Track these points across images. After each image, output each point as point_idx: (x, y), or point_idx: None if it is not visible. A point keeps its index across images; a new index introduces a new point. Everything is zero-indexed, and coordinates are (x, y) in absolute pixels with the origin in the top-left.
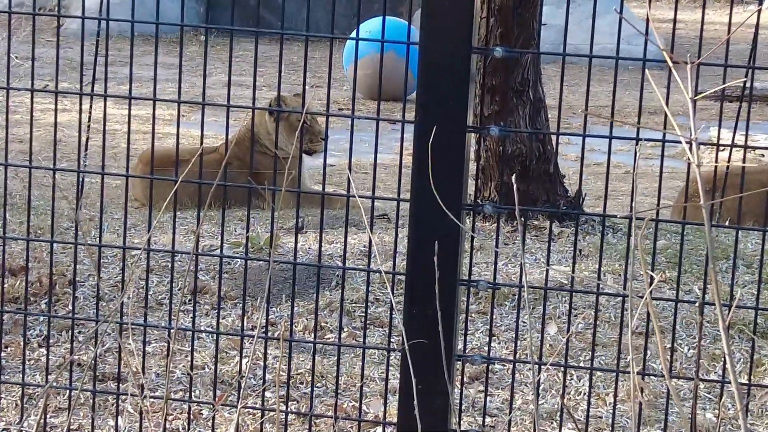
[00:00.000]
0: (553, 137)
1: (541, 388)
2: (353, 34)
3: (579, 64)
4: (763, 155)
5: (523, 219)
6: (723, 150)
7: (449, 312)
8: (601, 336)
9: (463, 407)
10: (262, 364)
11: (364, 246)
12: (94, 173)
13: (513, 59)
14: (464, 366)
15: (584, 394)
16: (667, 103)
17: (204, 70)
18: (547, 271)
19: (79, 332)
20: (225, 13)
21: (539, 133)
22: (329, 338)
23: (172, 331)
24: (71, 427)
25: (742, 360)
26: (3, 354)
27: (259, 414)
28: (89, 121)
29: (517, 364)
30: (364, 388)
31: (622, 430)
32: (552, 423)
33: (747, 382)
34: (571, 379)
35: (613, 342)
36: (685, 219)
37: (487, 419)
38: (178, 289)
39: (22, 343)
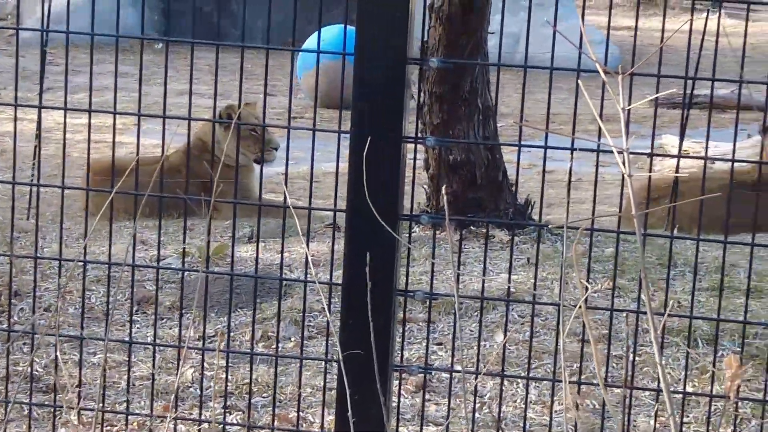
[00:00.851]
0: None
1: (487, 396)
2: (308, 42)
3: (532, 72)
4: (714, 162)
5: (459, 228)
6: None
7: (385, 322)
8: (547, 344)
9: (409, 416)
10: (207, 374)
11: (313, 255)
12: (53, 186)
13: (461, 68)
14: (401, 376)
15: (530, 402)
16: (601, 114)
17: (165, 83)
18: (483, 281)
19: (24, 343)
20: (182, 21)
21: (477, 143)
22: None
23: (109, 343)
24: None
25: (689, 368)
26: None
27: (203, 425)
28: (38, 130)
29: (461, 374)
30: (310, 399)
31: None
32: None
33: (682, 390)
34: (517, 387)
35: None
36: (646, 227)
37: (432, 428)
38: (126, 300)
39: None
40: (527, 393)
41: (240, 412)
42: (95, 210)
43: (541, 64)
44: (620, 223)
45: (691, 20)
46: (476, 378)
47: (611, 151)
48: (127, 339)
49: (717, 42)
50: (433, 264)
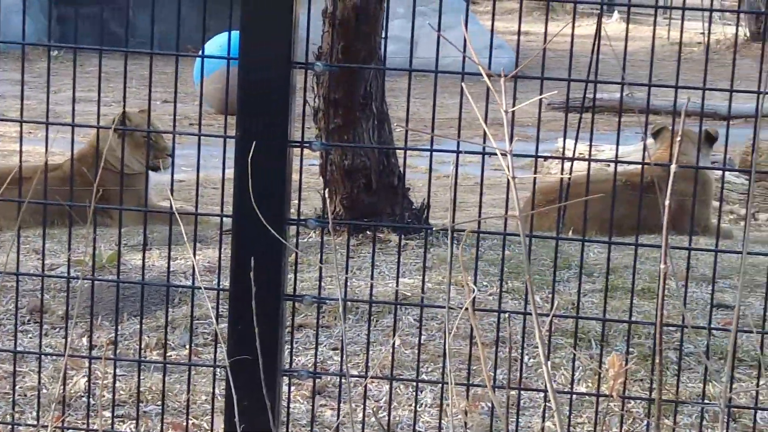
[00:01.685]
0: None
1: (383, 400)
2: (206, 49)
3: (429, 78)
4: (609, 165)
5: (354, 232)
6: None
7: (273, 327)
8: (441, 347)
9: (305, 422)
10: (99, 383)
11: (209, 262)
12: None
13: (355, 73)
14: (291, 381)
15: (425, 405)
16: (486, 119)
17: (47, 88)
18: (372, 285)
19: None
20: (78, 26)
21: (366, 147)
22: (172, 355)
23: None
24: None
25: (580, 368)
26: None
27: None
28: None
29: (354, 379)
30: (205, 406)
31: None
32: None
33: (570, 390)
34: (412, 390)
35: (456, 353)
36: (532, 230)
37: None
38: (20, 308)
39: None
40: (416, 396)
41: (132, 421)
42: None
43: (439, 68)
44: (509, 225)
45: (573, 24)
46: (365, 382)
47: (496, 154)
48: (11, 349)
49: (599, 45)
50: (321, 268)
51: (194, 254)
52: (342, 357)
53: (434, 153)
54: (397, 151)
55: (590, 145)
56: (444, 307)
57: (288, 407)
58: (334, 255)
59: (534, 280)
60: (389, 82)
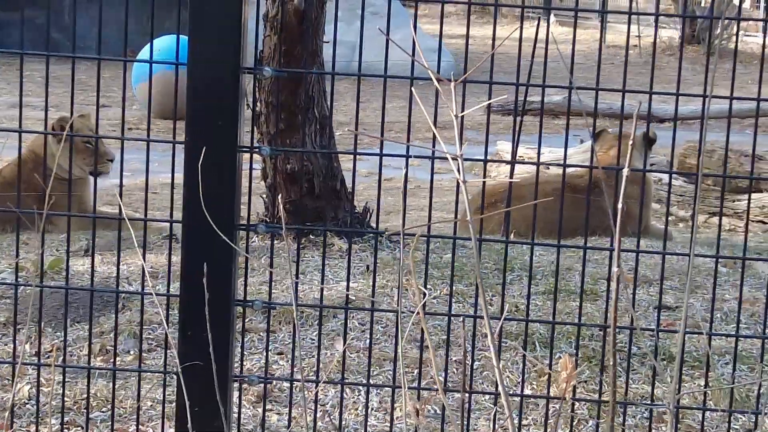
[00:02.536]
0: (341, 155)
1: (329, 404)
2: (142, 53)
3: (371, 81)
4: (548, 167)
5: (298, 237)
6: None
7: (224, 332)
8: (388, 351)
9: (251, 427)
10: (44, 390)
11: (152, 268)
12: None
13: (297, 77)
14: (241, 386)
15: (372, 409)
16: (435, 122)
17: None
18: (322, 289)
19: None
20: (15, 33)
21: (312, 152)
22: (116, 362)
23: None
24: None
25: (525, 371)
26: None
27: None
28: None
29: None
30: (150, 412)
31: None
32: None
33: (520, 393)
34: (359, 395)
35: (403, 356)
36: (482, 233)
37: None
38: None
39: None
40: (368, 400)
41: (79, 428)
42: None
43: (378, 73)
44: (458, 229)
45: (521, 29)
46: (317, 386)
47: (446, 158)
48: None
49: (546, 48)
50: (271, 273)
51: (144, 258)
52: (292, 362)
53: (371, 157)
54: (340, 155)
55: (538, 148)
56: (395, 311)
57: (239, 412)
58: (285, 259)
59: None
60: (328, 84)
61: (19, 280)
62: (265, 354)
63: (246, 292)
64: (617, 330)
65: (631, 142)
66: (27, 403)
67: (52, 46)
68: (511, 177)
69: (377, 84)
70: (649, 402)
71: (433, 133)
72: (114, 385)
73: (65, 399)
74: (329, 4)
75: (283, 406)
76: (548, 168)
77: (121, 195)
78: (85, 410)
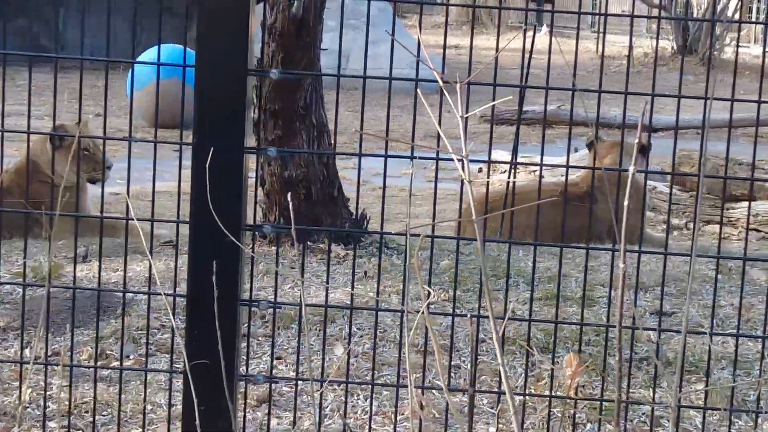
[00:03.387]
0: (337, 162)
1: (329, 408)
2: (144, 57)
3: (368, 91)
4: (543, 176)
5: (302, 240)
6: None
7: (230, 332)
8: (387, 355)
9: (251, 430)
10: (46, 394)
11: (153, 273)
12: None
13: (294, 84)
14: (247, 386)
15: (372, 412)
16: (439, 123)
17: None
18: (327, 288)
19: None
20: (9, 43)
21: (317, 153)
22: (117, 366)
23: None
24: None
25: (523, 374)
26: None
27: None
28: None
29: (304, 385)
30: (152, 415)
31: None
32: None
33: (523, 392)
34: (358, 399)
35: (402, 359)
36: (485, 235)
37: None
38: None
39: None
40: (371, 400)
41: (80, 431)
42: None
43: (372, 83)
44: (458, 232)
45: (526, 35)
46: (321, 387)
47: (451, 159)
48: None
49: (550, 53)
50: (276, 272)
51: (151, 255)
52: (297, 363)
53: (369, 164)
54: (339, 162)
55: (542, 151)
56: (401, 311)
57: (245, 413)
58: (287, 265)
59: (475, 288)
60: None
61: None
62: (269, 355)
63: (252, 293)
64: (613, 334)
65: (636, 141)
66: (28, 407)
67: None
68: (510, 178)
69: (371, 94)
70: (649, 403)
71: (438, 133)
72: (120, 387)
73: (65, 403)
74: (326, 12)
75: (282, 409)
76: (543, 177)
77: (128, 195)
78: (86, 413)
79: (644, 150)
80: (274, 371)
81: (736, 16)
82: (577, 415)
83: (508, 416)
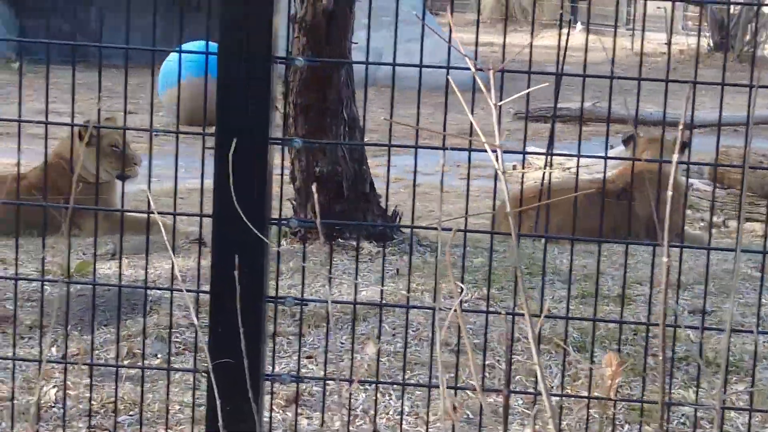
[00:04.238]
0: (369, 160)
1: (359, 408)
2: (169, 59)
3: (399, 89)
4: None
5: (331, 237)
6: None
7: (255, 330)
8: (419, 355)
9: (281, 430)
10: (70, 394)
11: (180, 271)
12: None
13: (325, 78)
14: (273, 386)
15: (404, 413)
16: (472, 111)
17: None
18: (356, 285)
19: None
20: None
21: (344, 144)
22: (144, 365)
23: None
24: None
25: (558, 374)
26: None
27: None
28: None
29: (335, 385)
30: (178, 416)
31: None
32: None
33: (560, 393)
34: (389, 399)
35: (435, 360)
36: (520, 229)
37: None
38: None
39: None
40: (402, 400)
41: (106, 431)
42: None
43: (405, 80)
44: (493, 227)
45: (569, 32)
46: (350, 386)
47: (485, 151)
48: None
49: (587, 45)
50: (303, 268)
51: (173, 251)
52: (325, 362)
53: (403, 162)
54: (369, 158)
55: (578, 147)
56: (432, 308)
57: (270, 413)
58: (315, 262)
59: (509, 286)
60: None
61: (44, 284)
62: (297, 354)
63: (277, 290)
64: (651, 334)
65: (680, 130)
66: (54, 407)
67: (78, 54)
68: (542, 182)
69: (403, 92)
70: (692, 405)
71: (470, 123)
72: (143, 386)
73: (92, 403)
74: (358, 5)
75: (313, 410)
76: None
77: (149, 188)
78: (112, 414)
79: (684, 146)
80: (304, 370)
81: None
82: (608, 411)
83: (544, 417)
